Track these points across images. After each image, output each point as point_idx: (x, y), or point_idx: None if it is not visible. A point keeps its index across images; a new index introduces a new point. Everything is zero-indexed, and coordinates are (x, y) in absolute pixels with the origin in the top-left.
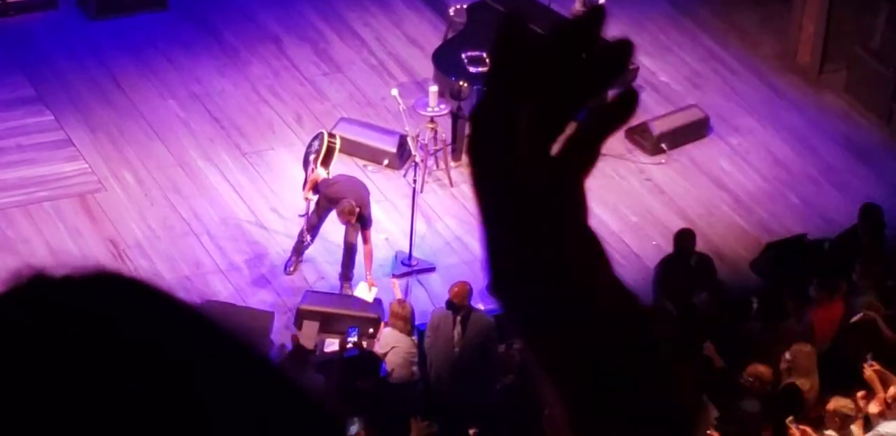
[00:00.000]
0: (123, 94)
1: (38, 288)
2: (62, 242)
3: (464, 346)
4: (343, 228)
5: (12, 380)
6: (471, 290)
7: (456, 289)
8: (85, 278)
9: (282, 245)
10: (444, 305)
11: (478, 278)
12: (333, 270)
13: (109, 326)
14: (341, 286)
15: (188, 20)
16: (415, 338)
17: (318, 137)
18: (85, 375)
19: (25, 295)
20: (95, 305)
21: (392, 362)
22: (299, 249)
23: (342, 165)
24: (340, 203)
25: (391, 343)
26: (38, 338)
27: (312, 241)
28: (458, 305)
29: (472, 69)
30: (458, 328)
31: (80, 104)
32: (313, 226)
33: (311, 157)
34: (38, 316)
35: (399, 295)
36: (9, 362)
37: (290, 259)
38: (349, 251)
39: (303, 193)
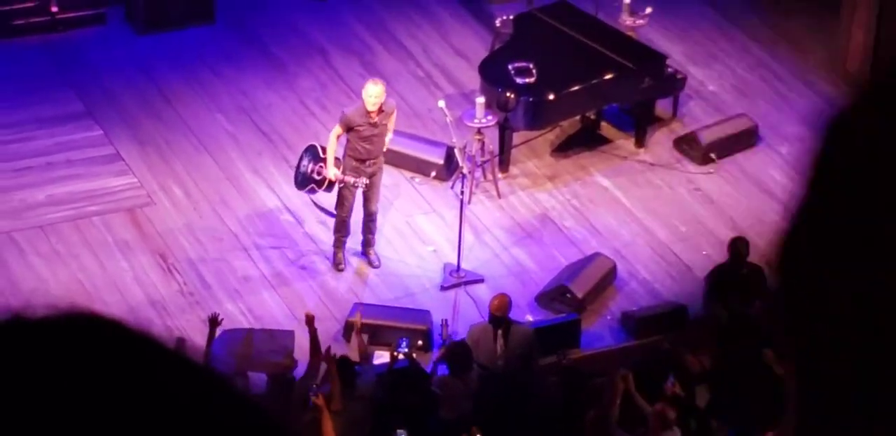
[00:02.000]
0: (171, 108)
1: (12, 330)
2: (111, 256)
3: (507, 358)
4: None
5: None
6: (510, 301)
7: (496, 302)
8: (59, 320)
9: (328, 256)
10: (485, 319)
11: (526, 289)
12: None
13: (82, 369)
14: (367, 253)
15: (235, 34)
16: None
17: (309, 151)
18: (56, 417)
19: (2, 337)
20: (71, 348)
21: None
22: (341, 241)
23: (389, 177)
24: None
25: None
26: (13, 380)
27: (348, 230)
28: (500, 317)
29: (518, 80)
30: (500, 341)
31: (129, 118)
32: (348, 211)
33: (318, 165)
34: (9, 359)
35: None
36: None
37: (335, 255)
38: (374, 219)
39: (335, 176)
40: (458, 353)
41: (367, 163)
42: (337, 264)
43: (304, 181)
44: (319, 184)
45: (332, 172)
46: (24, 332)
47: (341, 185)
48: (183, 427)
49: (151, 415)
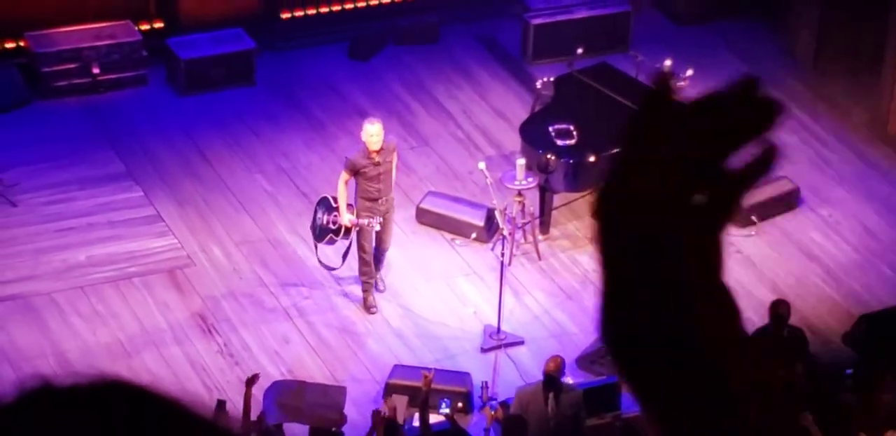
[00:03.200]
0: (211, 169)
1: (43, 399)
2: (151, 317)
3: (559, 421)
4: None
5: None
6: (564, 363)
7: (553, 364)
8: (89, 388)
9: (368, 319)
10: (533, 381)
11: (566, 351)
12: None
13: None
14: (377, 285)
15: (275, 95)
16: None
17: (322, 203)
18: None
19: (30, 406)
20: (98, 416)
21: None
22: (369, 284)
23: (429, 238)
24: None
25: None
26: None
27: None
28: (555, 379)
29: (559, 142)
30: (551, 403)
31: (169, 179)
32: (370, 253)
33: (332, 215)
34: (41, 428)
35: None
36: None
37: (365, 300)
38: (385, 254)
39: (349, 221)
40: (514, 427)
41: (380, 202)
42: (369, 308)
43: (322, 233)
44: (337, 233)
45: (346, 218)
46: (53, 400)
47: (357, 229)
48: None
49: None
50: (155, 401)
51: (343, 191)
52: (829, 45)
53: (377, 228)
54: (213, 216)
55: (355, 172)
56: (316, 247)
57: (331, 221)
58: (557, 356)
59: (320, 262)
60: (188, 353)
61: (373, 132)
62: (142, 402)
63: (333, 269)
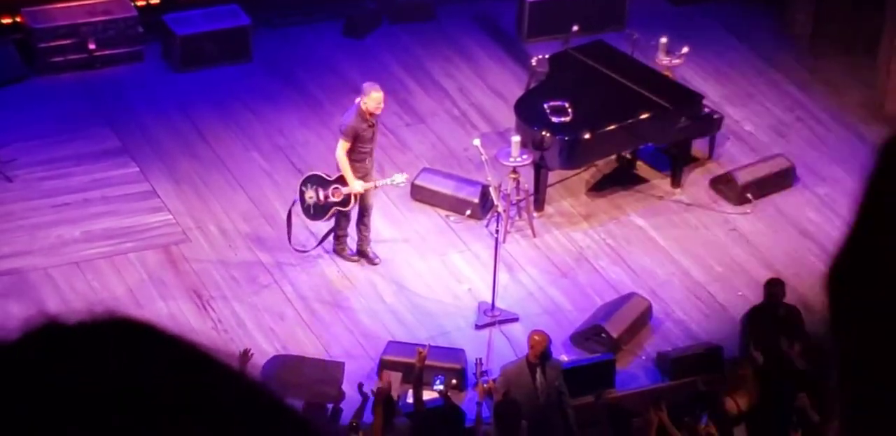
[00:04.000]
0: (207, 146)
1: (49, 334)
2: (147, 292)
3: (547, 394)
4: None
5: (22, 428)
6: (548, 338)
7: (538, 338)
8: (96, 324)
9: (364, 295)
10: (519, 357)
11: (561, 328)
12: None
13: (119, 372)
14: (365, 252)
15: (272, 72)
16: None
17: (310, 181)
18: (94, 423)
19: (37, 341)
20: (106, 351)
21: None
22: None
23: (424, 215)
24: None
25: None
26: (48, 384)
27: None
28: (543, 353)
29: (554, 119)
30: (539, 378)
31: (165, 156)
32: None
33: (330, 189)
34: (48, 362)
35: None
36: (20, 409)
37: (342, 250)
38: (370, 213)
39: (363, 187)
40: (507, 413)
41: (367, 161)
42: (349, 254)
43: (324, 209)
44: (344, 204)
45: (358, 185)
46: (59, 336)
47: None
48: (222, 432)
49: (190, 419)
50: (162, 337)
51: (346, 160)
52: (826, 25)
53: (402, 182)
54: (209, 193)
55: (355, 136)
56: (289, 229)
57: (329, 195)
58: (540, 331)
59: (291, 245)
60: (182, 329)
61: (381, 99)
62: (150, 337)
63: (306, 251)
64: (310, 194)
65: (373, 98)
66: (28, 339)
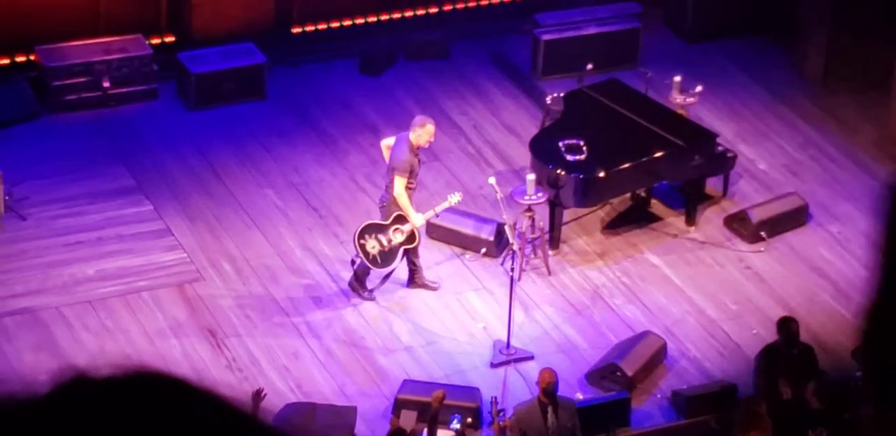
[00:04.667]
0: (222, 184)
1: (79, 389)
2: (161, 331)
3: (559, 434)
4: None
5: None
6: (556, 375)
7: (548, 377)
8: (126, 379)
9: (378, 333)
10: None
11: (576, 366)
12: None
13: (149, 427)
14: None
15: (286, 109)
16: None
17: (367, 231)
18: None
19: (67, 396)
20: (135, 406)
21: None
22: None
23: (440, 254)
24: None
25: None
26: None
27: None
28: (552, 392)
29: (569, 157)
30: (551, 417)
31: (179, 194)
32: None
33: (391, 230)
34: (78, 418)
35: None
36: None
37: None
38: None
39: (425, 218)
40: None
41: (412, 195)
42: (430, 283)
43: (392, 253)
44: (410, 240)
45: (420, 218)
46: (88, 392)
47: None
48: None
49: None
50: (192, 391)
51: (405, 195)
52: (838, 63)
53: (458, 200)
54: (223, 231)
55: (410, 171)
56: (384, 281)
57: (391, 238)
58: (550, 369)
59: (365, 297)
60: (197, 367)
61: (433, 132)
62: (179, 392)
63: (372, 297)
64: (371, 245)
65: (427, 131)
66: (58, 394)
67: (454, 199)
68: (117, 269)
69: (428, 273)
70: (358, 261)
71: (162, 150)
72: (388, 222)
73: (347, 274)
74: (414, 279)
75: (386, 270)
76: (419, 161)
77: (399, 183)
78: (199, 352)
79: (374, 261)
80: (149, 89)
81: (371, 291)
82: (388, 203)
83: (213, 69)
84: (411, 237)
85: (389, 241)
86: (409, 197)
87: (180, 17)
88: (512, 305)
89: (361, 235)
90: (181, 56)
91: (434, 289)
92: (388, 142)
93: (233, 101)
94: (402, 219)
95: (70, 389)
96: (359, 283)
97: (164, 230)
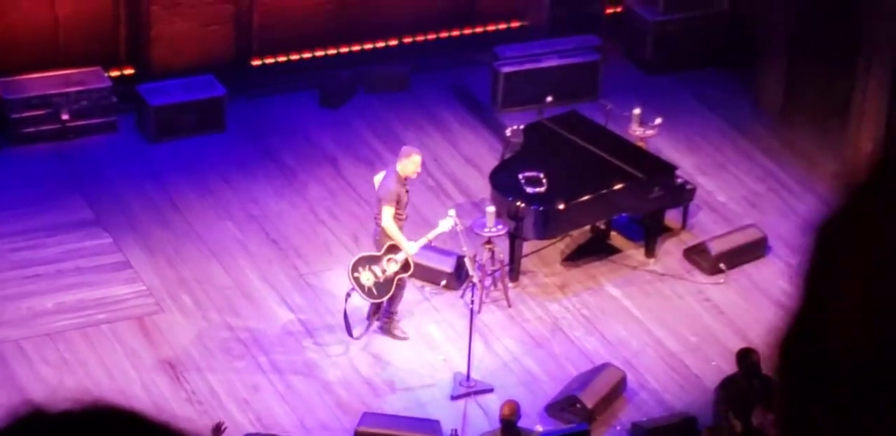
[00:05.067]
0: (181, 216)
1: (35, 424)
2: (120, 364)
3: None
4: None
5: None
6: (519, 407)
7: (507, 409)
8: (82, 413)
9: (338, 365)
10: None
11: (536, 399)
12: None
13: None
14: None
15: (246, 142)
16: None
17: (360, 264)
18: None
19: (23, 432)
20: None
21: None
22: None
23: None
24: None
25: None
26: None
27: None
28: (513, 423)
29: (529, 189)
30: None
31: (139, 226)
32: None
33: (384, 260)
34: None
35: None
36: None
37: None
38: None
39: (418, 248)
40: None
41: (401, 225)
42: (400, 333)
43: (387, 283)
44: (405, 269)
45: (414, 246)
46: (45, 428)
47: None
48: None
49: None
50: (149, 426)
51: (394, 225)
52: (796, 94)
53: (451, 225)
54: (183, 263)
55: (397, 201)
56: (347, 323)
57: (385, 268)
58: (512, 401)
59: (353, 337)
60: (156, 400)
61: (420, 162)
62: (135, 426)
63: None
64: (366, 277)
65: (413, 161)
66: (13, 430)
67: (446, 225)
68: (76, 301)
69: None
70: (352, 294)
71: (121, 182)
72: (380, 253)
73: (307, 305)
74: (387, 325)
75: (381, 301)
76: (407, 191)
77: (387, 213)
78: (159, 385)
79: (369, 293)
80: (108, 122)
81: (356, 336)
82: (380, 235)
83: (173, 101)
84: (406, 266)
85: (384, 271)
86: (400, 227)
87: (139, 49)
88: (472, 338)
89: (355, 267)
90: (140, 88)
91: (403, 339)
92: (379, 176)
93: (192, 134)
94: (395, 248)
95: (26, 424)
96: (346, 322)
97: (123, 263)
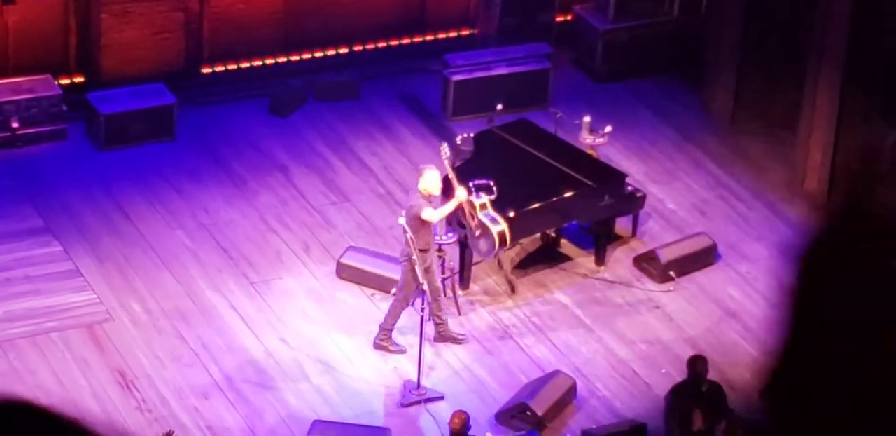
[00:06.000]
0: (131, 225)
1: None
2: (70, 373)
3: None
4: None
5: None
6: (468, 417)
7: (457, 420)
8: None
9: (290, 374)
10: None
11: (486, 406)
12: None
13: None
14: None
15: (196, 150)
16: None
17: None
18: None
19: None
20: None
21: None
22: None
23: (350, 294)
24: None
25: None
26: None
27: None
28: (463, 433)
29: (478, 197)
30: None
31: (89, 234)
32: None
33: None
34: None
35: None
36: None
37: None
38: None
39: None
40: None
41: (431, 249)
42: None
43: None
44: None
45: (461, 192)
46: None
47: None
48: None
49: None
50: (53, 419)
51: (439, 210)
52: (746, 103)
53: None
54: (133, 271)
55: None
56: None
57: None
58: (461, 411)
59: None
60: (107, 409)
61: (435, 178)
62: (40, 420)
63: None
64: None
65: (426, 178)
66: None
67: (445, 151)
68: (26, 310)
69: (338, 313)
70: (426, 309)
71: (71, 190)
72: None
73: (257, 313)
74: (440, 332)
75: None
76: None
77: (427, 210)
78: (109, 393)
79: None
80: (58, 130)
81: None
82: (407, 256)
83: (123, 109)
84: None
85: (464, 218)
86: (429, 251)
87: (90, 57)
88: (422, 346)
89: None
90: (90, 96)
91: (460, 341)
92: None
93: (142, 142)
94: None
95: None
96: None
97: (73, 271)
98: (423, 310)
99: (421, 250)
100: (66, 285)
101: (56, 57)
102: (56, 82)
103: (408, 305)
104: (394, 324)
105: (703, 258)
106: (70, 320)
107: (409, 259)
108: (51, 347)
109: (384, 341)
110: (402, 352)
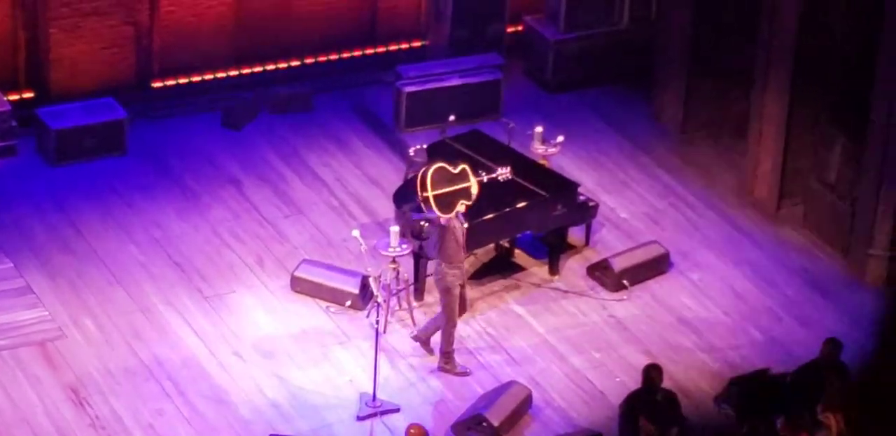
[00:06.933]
0: (83, 240)
1: None
2: (22, 391)
3: None
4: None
5: None
6: (426, 431)
7: (413, 431)
8: None
9: (244, 388)
10: None
11: (443, 418)
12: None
13: None
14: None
15: (148, 164)
16: None
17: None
18: None
19: None
20: None
21: None
22: None
23: (304, 307)
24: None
25: None
26: None
27: None
28: None
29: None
30: None
31: (40, 251)
32: None
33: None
34: None
35: None
36: None
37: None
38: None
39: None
40: None
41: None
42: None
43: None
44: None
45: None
46: None
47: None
48: None
49: None
50: None
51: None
52: (696, 112)
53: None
54: (85, 287)
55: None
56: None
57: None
58: (417, 424)
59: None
60: (59, 427)
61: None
62: None
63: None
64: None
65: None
66: None
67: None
68: None
69: (293, 326)
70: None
71: (22, 206)
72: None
73: (211, 327)
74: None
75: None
76: (462, 224)
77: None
78: (62, 411)
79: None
80: (8, 145)
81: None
82: (440, 275)
83: (73, 125)
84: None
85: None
86: (458, 266)
87: (39, 72)
88: (377, 358)
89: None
90: (40, 112)
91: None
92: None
93: (93, 157)
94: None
95: None
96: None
97: (24, 288)
98: (377, 322)
99: (459, 267)
100: (18, 303)
101: (5, 72)
102: (5, 98)
103: (455, 324)
104: (452, 346)
105: (656, 266)
106: (21, 338)
107: (440, 278)
108: (2, 365)
109: (448, 363)
110: (467, 374)
